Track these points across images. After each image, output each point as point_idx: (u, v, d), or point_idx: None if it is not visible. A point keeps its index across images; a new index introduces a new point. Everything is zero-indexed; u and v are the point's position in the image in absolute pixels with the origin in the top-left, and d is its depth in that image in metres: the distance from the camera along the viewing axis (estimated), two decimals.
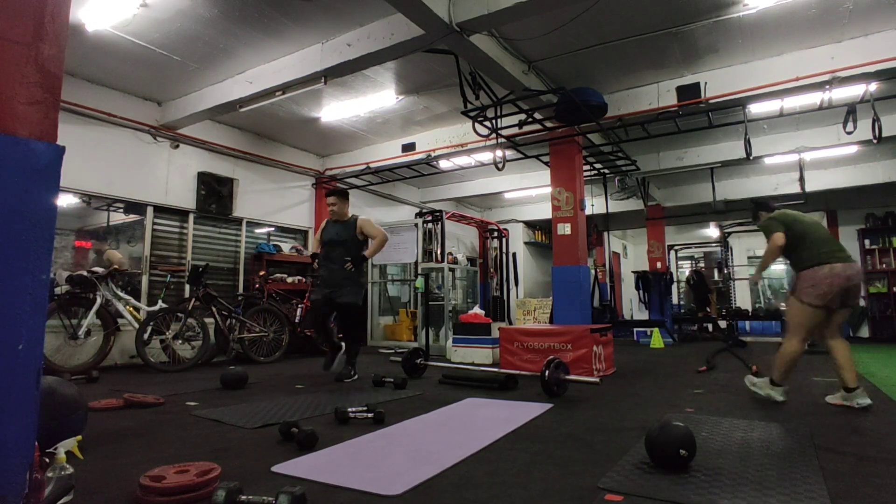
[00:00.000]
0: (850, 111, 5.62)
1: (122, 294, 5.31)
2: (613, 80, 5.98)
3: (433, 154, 7.57)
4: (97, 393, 3.77)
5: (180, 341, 5.42)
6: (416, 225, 8.63)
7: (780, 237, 3.32)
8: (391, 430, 2.75)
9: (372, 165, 8.13)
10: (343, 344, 4.67)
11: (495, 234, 11.37)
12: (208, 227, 7.06)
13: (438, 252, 8.39)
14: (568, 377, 3.71)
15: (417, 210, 9.75)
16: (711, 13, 4.64)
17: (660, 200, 10.69)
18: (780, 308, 9.31)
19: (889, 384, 4.23)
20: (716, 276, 11.18)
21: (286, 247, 7.91)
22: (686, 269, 17.15)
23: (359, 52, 4.75)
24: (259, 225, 7.82)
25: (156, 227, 6.45)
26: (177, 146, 6.66)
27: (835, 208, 11.25)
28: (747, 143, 6.04)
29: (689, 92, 5.72)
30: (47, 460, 1.71)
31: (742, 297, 14.22)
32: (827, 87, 5.20)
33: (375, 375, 4.29)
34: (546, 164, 7.12)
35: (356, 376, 4.52)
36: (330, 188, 8.68)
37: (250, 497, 1.61)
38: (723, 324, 9.80)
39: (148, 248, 6.32)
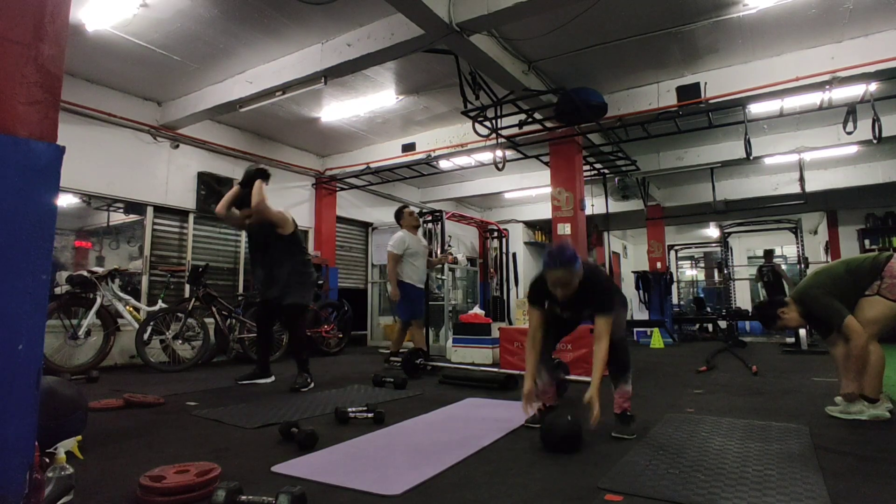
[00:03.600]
0: (850, 111, 5.61)
1: (122, 294, 5.31)
2: (613, 80, 5.98)
3: (433, 154, 7.57)
4: (97, 393, 3.76)
5: (180, 341, 5.42)
6: None
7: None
8: (391, 430, 2.75)
9: (372, 165, 8.13)
10: (273, 376, 4.35)
11: (495, 234, 11.37)
12: (208, 227, 7.06)
13: (438, 252, 8.39)
14: (568, 377, 3.72)
15: (417, 210, 9.74)
16: (711, 13, 4.64)
17: (660, 200, 10.69)
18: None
19: (889, 384, 4.23)
20: (715, 277, 11.10)
21: None
22: (684, 269, 17.04)
23: (359, 52, 4.75)
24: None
25: (156, 227, 6.45)
26: (177, 146, 6.66)
27: (835, 208, 11.24)
28: (747, 143, 6.04)
29: (689, 92, 5.71)
30: (47, 460, 1.71)
31: (742, 298, 14.22)
32: (827, 87, 5.19)
33: (375, 375, 4.29)
34: (546, 164, 7.12)
35: (312, 385, 4.10)
36: (330, 188, 8.71)
37: (250, 497, 1.61)
38: (723, 324, 9.80)
39: (148, 248, 6.32)
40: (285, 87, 5.42)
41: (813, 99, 5.63)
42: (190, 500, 1.71)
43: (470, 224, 10.95)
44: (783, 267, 10.35)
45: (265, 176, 4.18)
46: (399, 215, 5.58)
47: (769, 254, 10.09)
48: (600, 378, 2.50)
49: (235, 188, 4.25)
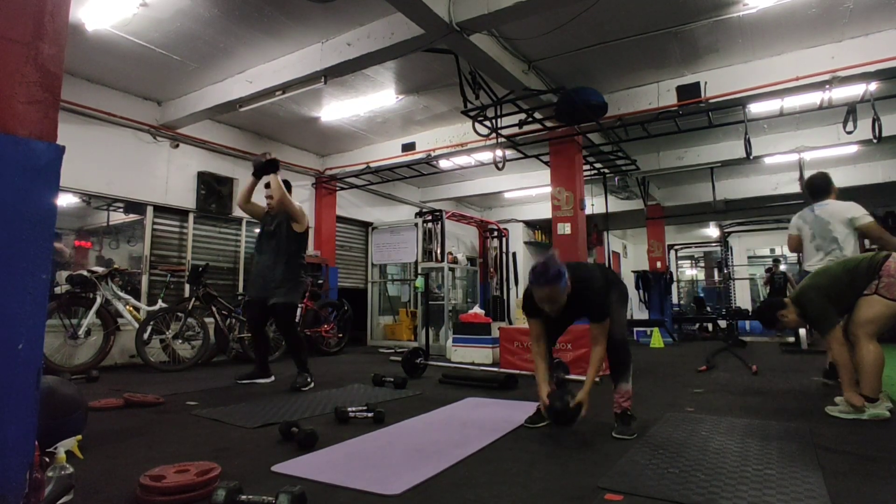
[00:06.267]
0: (850, 111, 5.62)
1: (121, 294, 5.31)
2: (613, 79, 5.97)
3: (433, 154, 7.57)
4: (97, 392, 3.76)
5: (180, 341, 5.42)
6: (416, 224, 8.63)
7: None
8: (391, 429, 2.75)
9: (372, 165, 8.12)
10: (272, 376, 4.36)
11: (495, 233, 11.37)
12: (208, 226, 7.06)
13: (438, 252, 8.39)
14: (568, 377, 3.72)
15: (417, 210, 9.75)
16: (711, 13, 4.63)
17: (660, 200, 10.68)
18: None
19: (889, 384, 4.23)
20: (715, 276, 11.17)
21: None
22: (684, 269, 17.01)
23: (359, 52, 4.75)
24: (259, 224, 7.81)
25: (156, 226, 6.44)
26: (177, 146, 6.65)
27: None
28: (747, 143, 6.04)
29: (689, 91, 5.71)
30: (47, 460, 1.71)
31: (742, 297, 14.23)
32: (827, 86, 5.19)
33: (375, 375, 4.29)
34: (546, 163, 7.12)
35: (312, 384, 4.07)
36: (330, 188, 8.71)
37: (250, 497, 1.61)
38: (723, 323, 9.81)
39: (148, 247, 6.32)
40: (285, 87, 5.42)
41: (813, 98, 5.63)
42: (190, 500, 1.71)
43: (470, 224, 10.95)
44: (781, 267, 10.49)
45: (275, 167, 4.26)
46: (828, 182, 4.03)
47: (777, 262, 10.61)
48: (592, 381, 2.57)
49: (250, 179, 4.35)
